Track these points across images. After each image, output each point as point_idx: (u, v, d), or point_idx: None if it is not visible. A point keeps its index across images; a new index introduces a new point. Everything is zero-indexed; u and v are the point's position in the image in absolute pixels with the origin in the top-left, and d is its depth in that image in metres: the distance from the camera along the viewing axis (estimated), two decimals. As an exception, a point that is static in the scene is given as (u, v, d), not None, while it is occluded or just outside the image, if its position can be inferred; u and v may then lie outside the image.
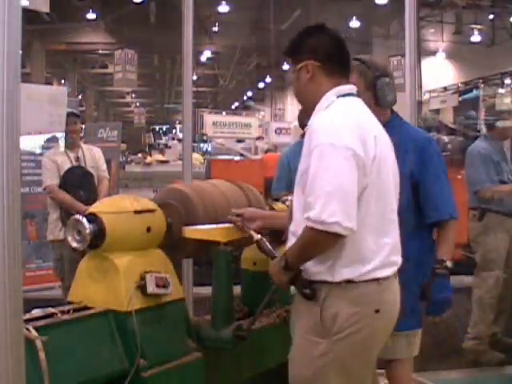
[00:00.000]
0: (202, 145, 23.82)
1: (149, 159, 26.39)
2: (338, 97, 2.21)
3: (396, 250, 2.23)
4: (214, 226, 2.61)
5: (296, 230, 2.17)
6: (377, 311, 2.13)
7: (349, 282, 2.11)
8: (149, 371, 2.25)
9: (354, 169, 2.04)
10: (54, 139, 6.03)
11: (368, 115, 2.26)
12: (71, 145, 5.00)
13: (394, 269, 2.22)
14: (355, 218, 2.01)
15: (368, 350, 2.20)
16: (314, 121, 2.18)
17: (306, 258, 2.14)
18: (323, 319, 2.13)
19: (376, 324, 2.15)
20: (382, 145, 2.20)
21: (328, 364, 2.13)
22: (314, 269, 2.15)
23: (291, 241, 2.21)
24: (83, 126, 9.80)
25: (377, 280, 2.13)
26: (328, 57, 2.25)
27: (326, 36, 2.28)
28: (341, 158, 2.03)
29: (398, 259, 2.24)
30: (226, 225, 2.64)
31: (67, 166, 4.86)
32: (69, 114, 5.06)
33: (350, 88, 2.28)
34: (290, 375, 2.25)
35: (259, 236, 2.51)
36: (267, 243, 2.48)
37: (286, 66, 24.00)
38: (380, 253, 2.15)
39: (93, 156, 5.06)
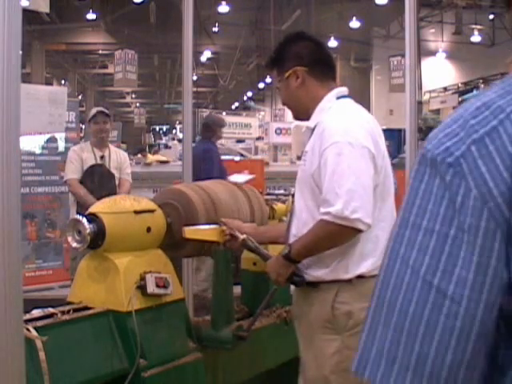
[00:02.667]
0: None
1: (149, 159, 26.37)
2: (337, 98, 2.25)
3: None
4: (213, 226, 2.61)
5: (301, 230, 2.18)
6: None
7: (359, 277, 2.14)
8: (149, 371, 2.25)
9: (371, 167, 2.09)
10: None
11: (370, 115, 2.29)
12: (99, 143, 4.98)
13: None
14: (372, 214, 2.06)
15: None
16: (323, 121, 2.19)
17: (317, 250, 2.15)
18: (336, 316, 2.15)
19: None
20: (384, 144, 2.25)
21: (344, 360, 2.14)
22: (321, 271, 2.16)
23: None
24: (83, 127, 9.84)
25: None
26: (314, 61, 2.29)
27: (308, 42, 2.33)
28: (359, 156, 2.07)
29: None
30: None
31: (91, 162, 4.88)
32: (99, 113, 5.02)
33: (346, 90, 2.33)
34: (307, 379, 2.23)
35: (244, 235, 2.51)
36: (253, 240, 2.48)
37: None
38: None
39: (118, 158, 5.05)
